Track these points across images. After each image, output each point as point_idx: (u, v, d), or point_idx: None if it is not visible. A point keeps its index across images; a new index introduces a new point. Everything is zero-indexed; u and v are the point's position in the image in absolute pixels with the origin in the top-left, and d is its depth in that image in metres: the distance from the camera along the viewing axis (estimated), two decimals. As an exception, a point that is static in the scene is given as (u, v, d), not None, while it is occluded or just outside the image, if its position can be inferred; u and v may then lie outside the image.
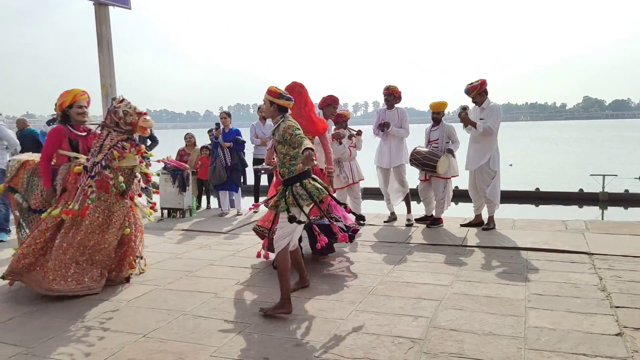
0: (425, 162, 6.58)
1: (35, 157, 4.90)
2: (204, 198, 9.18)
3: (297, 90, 4.93)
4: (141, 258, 5.04)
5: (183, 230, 7.22)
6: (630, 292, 4.10)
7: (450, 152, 6.64)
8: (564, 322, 3.54)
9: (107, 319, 3.87)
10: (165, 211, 8.13)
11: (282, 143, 3.81)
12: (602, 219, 10.53)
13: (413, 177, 7.06)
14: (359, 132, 6.72)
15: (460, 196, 8.69)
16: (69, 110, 4.60)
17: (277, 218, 4.00)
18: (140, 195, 4.94)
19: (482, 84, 6.28)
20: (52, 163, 4.64)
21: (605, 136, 48.66)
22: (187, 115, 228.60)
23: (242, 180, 8.56)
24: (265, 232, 4.87)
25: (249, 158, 8.63)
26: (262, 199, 6.56)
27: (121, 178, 4.48)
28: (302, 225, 3.95)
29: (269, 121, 8.00)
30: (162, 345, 3.38)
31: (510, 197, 11.08)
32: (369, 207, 7.97)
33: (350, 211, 4.33)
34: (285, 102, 3.91)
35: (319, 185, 3.88)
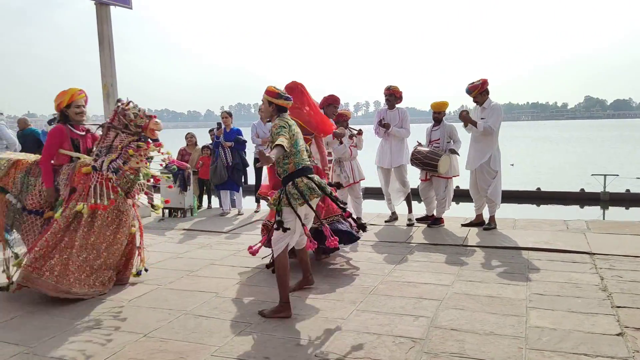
0: (426, 162, 6.58)
1: (27, 156, 4.82)
2: (205, 198, 9.20)
3: (297, 90, 4.91)
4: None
5: (184, 229, 7.23)
6: (632, 292, 4.10)
7: (453, 151, 6.64)
8: (565, 322, 3.53)
9: (108, 319, 3.87)
10: (167, 211, 8.14)
11: (273, 142, 3.79)
12: (604, 218, 10.52)
13: (414, 177, 7.06)
14: (360, 132, 6.72)
15: (461, 196, 8.68)
16: (67, 110, 4.57)
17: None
18: (147, 194, 4.93)
19: (483, 83, 6.28)
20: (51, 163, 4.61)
21: (606, 136, 48.59)
22: (188, 115, 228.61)
23: (243, 180, 8.57)
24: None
25: (250, 158, 8.63)
26: (265, 202, 6.56)
27: (133, 177, 4.52)
28: (299, 226, 3.88)
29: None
30: (163, 344, 3.38)
31: (511, 196, 11.07)
32: (370, 207, 7.97)
33: (349, 216, 4.32)
34: (284, 102, 3.88)
35: (313, 185, 3.79)
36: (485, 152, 6.34)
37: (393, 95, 6.83)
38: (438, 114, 6.78)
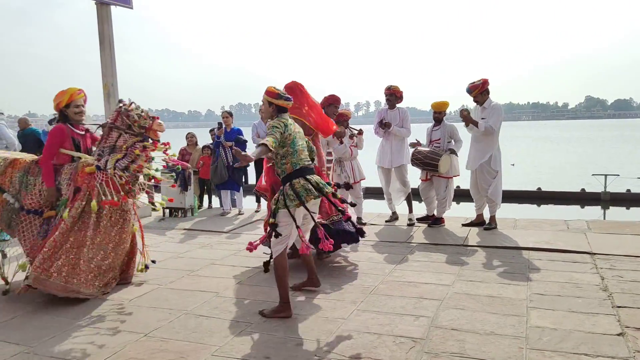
0: (427, 162, 6.58)
1: (24, 156, 4.80)
2: (205, 197, 9.20)
3: (297, 90, 4.91)
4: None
5: (185, 229, 7.23)
6: (632, 292, 4.10)
7: (453, 151, 6.64)
8: (566, 322, 3.53)
9: (108, 318, 3.88)
10: (167, 210, 8.14)
11: None
12: (604, 218, 10.52)
13: (414, 176, 7.06)
14: (360, 131, 6.72)
15: (462, 196, 8.69)
16: (66, 110, 4.57)
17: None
18: (148, 193, 4.93)
19: (484, 83, 6.28)
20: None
21: (607, 136, 48.57)
22: (189, 115, 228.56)
23: (243, 180, 8.57)
24: None
25: (250, 158, 8.62)
26: (263, 199, 6.56)
27: (137, 175, 4.53)
28: (296, 227, 3.82)
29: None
30: (164, 344, 3.39)
31: (511, 196, 11.06)
32: (370, 207, 7.97)
33: (349, 218, 4.30)
34: (284, 102, 3.87)
35: (310, 186, 3.74)
36: (486, 152, 6.34)
37: (394, 95, 6.83)
38: (439, 113, 6.78)
